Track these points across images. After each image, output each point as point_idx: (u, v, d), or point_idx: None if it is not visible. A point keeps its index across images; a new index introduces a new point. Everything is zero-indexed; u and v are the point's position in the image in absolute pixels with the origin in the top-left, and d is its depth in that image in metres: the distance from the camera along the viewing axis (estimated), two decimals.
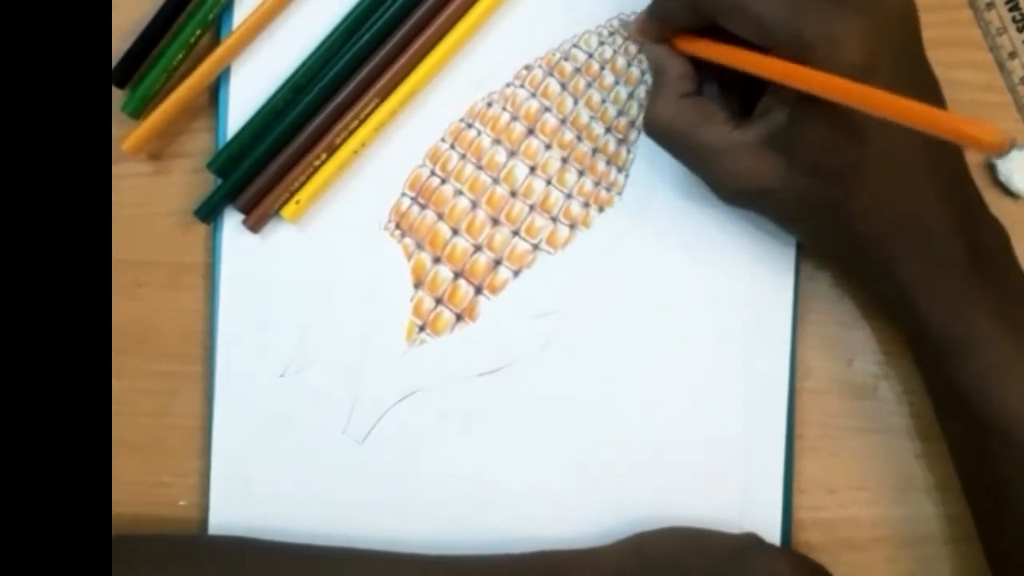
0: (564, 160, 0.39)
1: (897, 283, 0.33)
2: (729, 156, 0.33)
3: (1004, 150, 0.25)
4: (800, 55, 0.30)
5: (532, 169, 0.39)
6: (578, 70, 0.39)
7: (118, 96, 0.39)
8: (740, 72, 0.33)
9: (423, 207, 0.40)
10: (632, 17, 0.39)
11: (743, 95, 0.35)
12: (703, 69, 0.35)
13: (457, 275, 0.40)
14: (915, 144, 0.32)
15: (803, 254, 0.39)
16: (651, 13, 0.36)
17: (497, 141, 0.39)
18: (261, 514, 0.40)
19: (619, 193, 0.39)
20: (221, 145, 0.39)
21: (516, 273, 0.39)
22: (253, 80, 0.39)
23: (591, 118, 0.39)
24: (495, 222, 0.39)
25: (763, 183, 0.33)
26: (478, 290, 0.40)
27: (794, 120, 0.32)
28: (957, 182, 0.34)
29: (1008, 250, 0.35)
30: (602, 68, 0.39)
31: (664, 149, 0.35)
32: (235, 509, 0.40)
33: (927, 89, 0.33)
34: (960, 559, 0.38)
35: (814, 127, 0.31)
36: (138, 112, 0.39)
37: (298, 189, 0.39)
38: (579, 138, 0.39)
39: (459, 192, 0.40)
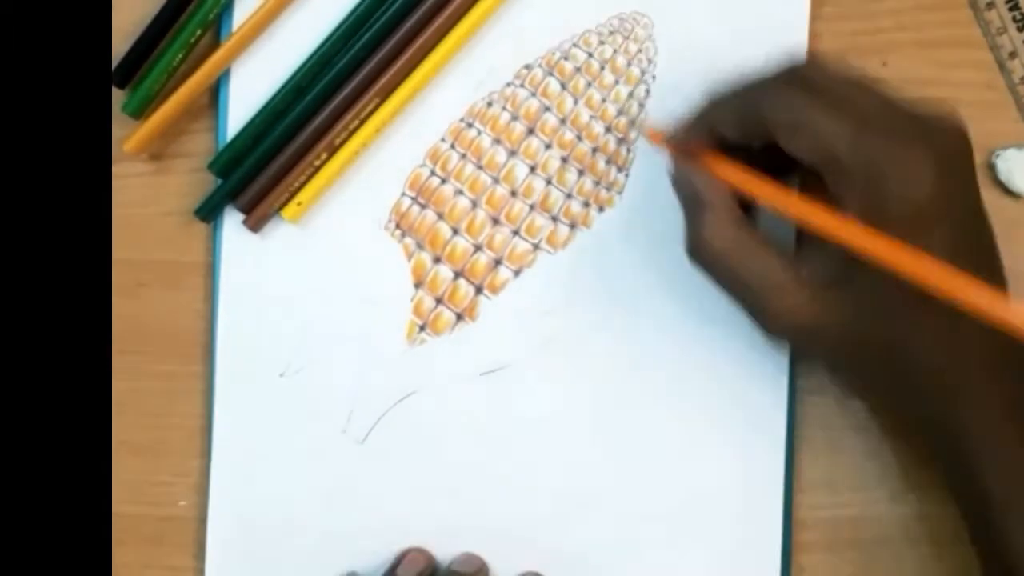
0: (564, 159, 0.39)
1: (943, 429, 0.32)
2: (784, 292, 0.31)
3: None
4: (861, 186, 0.29)
5: (532, 169, 0.39)
6: (578, 69, 0.39)
7: (118, 96, 0.39)
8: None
9: (423, 207, 0.40)
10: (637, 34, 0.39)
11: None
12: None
13: (457, 275, 0.40)
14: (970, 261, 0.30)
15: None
16: (697, 121, 0.33)
17: (497, 141, 0.40)
18: (261, 514, 0.40)
19: (619, 193, 0.39)
20: (222, 145, 0.39)
21: (516, 273, 0.39)
22: (253, 80, 0.39)
23: (591, 117, 0.39)
24: (495, 222, 0.39)
25: (821, 322, 0.31)
26: (478, 290, 0.40)
27: (853, 259, 0.29)
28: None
29: None
30: (602, 67, 0.39)
31: (708, 276, 0.33)
32: (235, 509, 0.40)
33: (981, 230, 0.32)
34: (960, 559, 0.38)
35: (878, 269, 0.29)
36: (138, 112, 0.39)
37: (298, 189, 0.39)
38: (579, 137, 0.39)
39: (459, 192, 0.40)
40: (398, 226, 0.40)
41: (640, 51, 0.39)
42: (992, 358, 0.31)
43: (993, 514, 0.31)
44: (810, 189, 0.32)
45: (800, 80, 0.31)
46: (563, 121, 0.39)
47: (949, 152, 0.30)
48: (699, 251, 0.33)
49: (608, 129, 0.39)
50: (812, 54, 0.32)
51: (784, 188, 0.31)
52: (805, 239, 0.32)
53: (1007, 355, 0.31)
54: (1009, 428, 0.31)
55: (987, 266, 0.31)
